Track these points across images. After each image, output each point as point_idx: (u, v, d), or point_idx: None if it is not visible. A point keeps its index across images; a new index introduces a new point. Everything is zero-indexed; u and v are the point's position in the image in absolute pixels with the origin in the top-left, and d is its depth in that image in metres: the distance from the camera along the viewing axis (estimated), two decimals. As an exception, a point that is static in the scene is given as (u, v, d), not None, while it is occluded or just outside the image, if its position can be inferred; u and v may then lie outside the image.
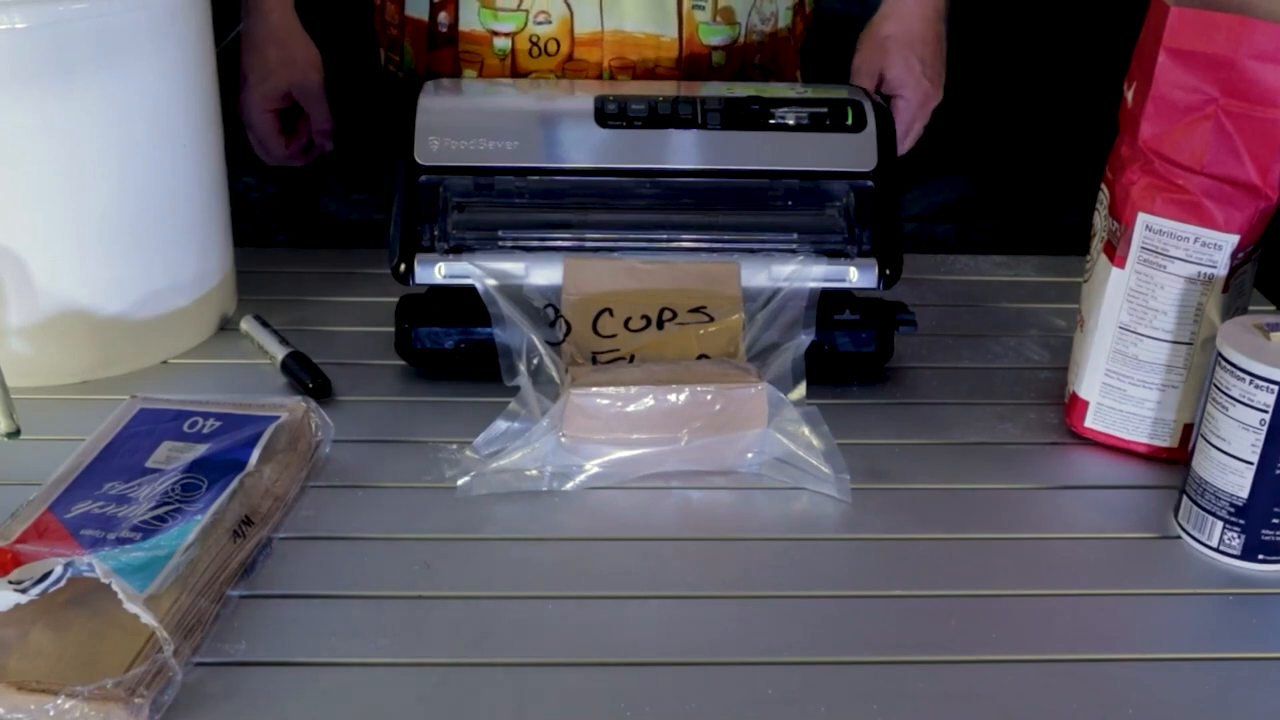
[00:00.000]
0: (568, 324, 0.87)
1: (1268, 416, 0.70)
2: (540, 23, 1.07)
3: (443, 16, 1.09)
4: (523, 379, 0.84)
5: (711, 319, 0.88)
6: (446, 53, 1.10)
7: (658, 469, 0.80)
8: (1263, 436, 0.71)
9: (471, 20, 1.08)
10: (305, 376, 0.89)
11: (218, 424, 0.79)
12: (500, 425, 0.82)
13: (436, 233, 0.88)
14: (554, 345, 0.86)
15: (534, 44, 1.07)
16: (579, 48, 1.08)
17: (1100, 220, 0.83)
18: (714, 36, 1.10)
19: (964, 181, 1.98)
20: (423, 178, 0.89)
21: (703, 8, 1.09)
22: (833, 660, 0.66)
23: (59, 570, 0.61)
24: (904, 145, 1.11)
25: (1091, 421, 0.85)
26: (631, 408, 0.79)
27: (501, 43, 1.08)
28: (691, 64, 1.10)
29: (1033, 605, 0.71)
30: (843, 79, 1.11)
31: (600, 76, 1.09)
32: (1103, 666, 0.66)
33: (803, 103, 0.93)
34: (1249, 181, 0.76)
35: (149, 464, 0.75)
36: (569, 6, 1.07)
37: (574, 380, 0.80)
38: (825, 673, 0.65)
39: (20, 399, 0.82)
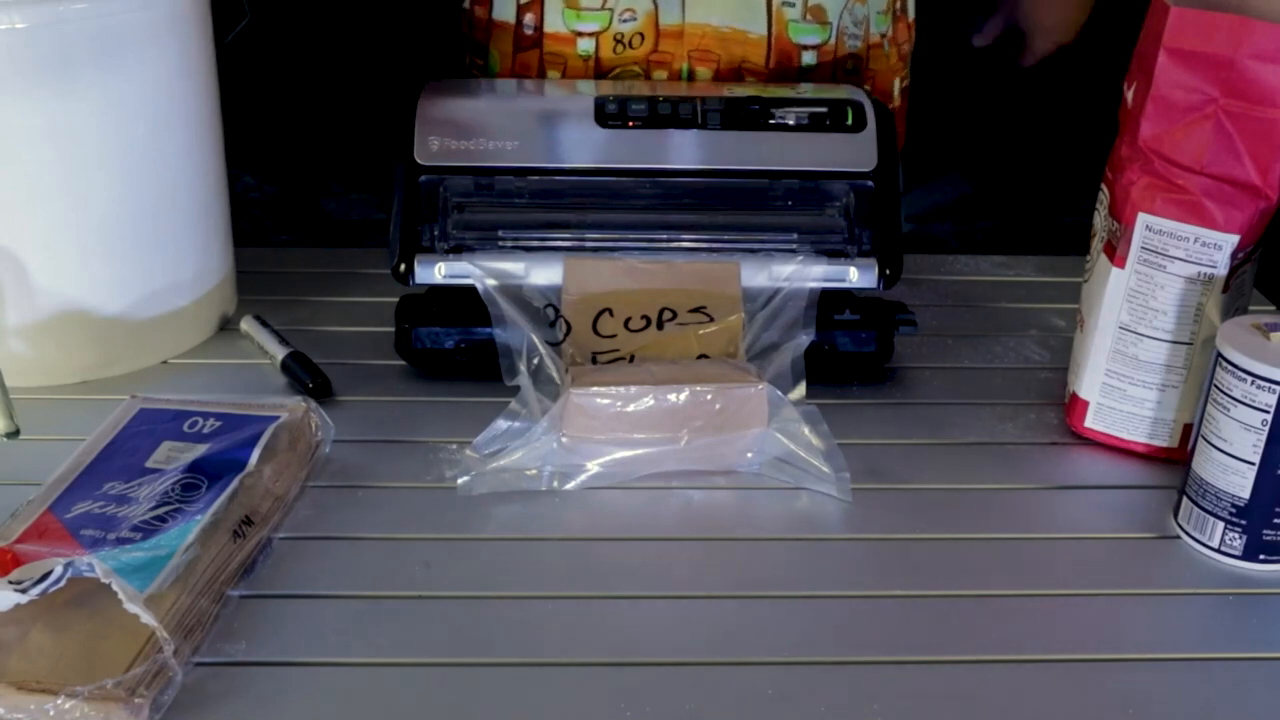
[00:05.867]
0: (568, 324, 0.87)
1: (1269, 417, 0.70)
2: (625, 20, 1.07)
3: (528, 19, 1.09)
4: (523, 379, 0.84)
5: (711, 319, 0.88)
6: (532, 55, 1.10)
7: (658, 469, 0.80)
8: (1264, 437, 0.71)
9: (556, 21, 1.08)
10: (305, 376, 0.89)
11: (218, 424, 0.79)
12: (500, 425, 0.82)
13: (436, 233, 0.88)
14: (554, 345, 0.86)
15: (618, 41, 1.07)
16: (663, 39, 1.07)
17: (1100, 220, 0.83)
18: (804, 35, 1.09)
19: (963, 181, 1.98)
20: (423, 178, 0.89)
21: (792, 4, 1.08)
22: (833, 660, 0.66)
23: (59, 570, 0.61)
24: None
25: (1091, 421, 0.85)
26: (631, 408, 0.79)
27: (585, 44, 1.08)
28: (781, 61, 1.09)
29: (1033, 605, 0.71)
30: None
31: (680, 69, 1.08)
32: (1103, 666, 0.66)
33: (803, 103, 0.93)
34: (1249, 181, 0.76)
35: (149, 464, 0.75)
36: (654, 0, 1.06)
37: (574, 380, 0.80)
38: (825, 673, 0.65)
39: (20, 399, 0.82)
